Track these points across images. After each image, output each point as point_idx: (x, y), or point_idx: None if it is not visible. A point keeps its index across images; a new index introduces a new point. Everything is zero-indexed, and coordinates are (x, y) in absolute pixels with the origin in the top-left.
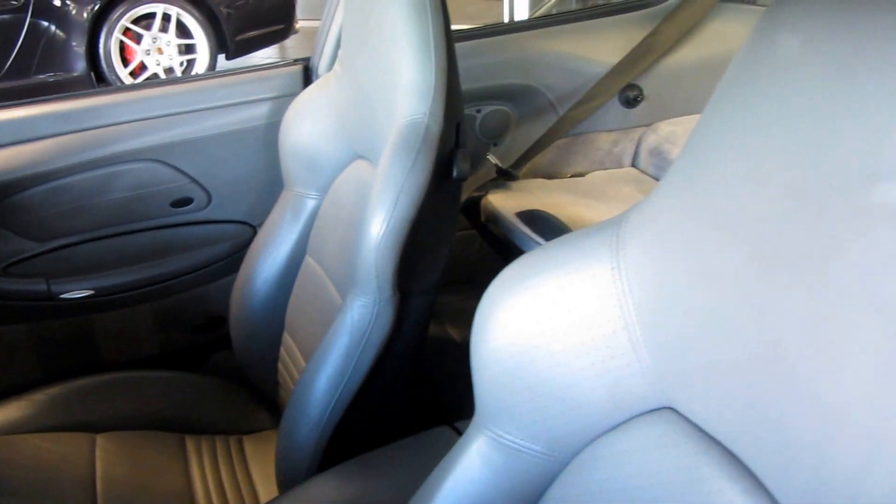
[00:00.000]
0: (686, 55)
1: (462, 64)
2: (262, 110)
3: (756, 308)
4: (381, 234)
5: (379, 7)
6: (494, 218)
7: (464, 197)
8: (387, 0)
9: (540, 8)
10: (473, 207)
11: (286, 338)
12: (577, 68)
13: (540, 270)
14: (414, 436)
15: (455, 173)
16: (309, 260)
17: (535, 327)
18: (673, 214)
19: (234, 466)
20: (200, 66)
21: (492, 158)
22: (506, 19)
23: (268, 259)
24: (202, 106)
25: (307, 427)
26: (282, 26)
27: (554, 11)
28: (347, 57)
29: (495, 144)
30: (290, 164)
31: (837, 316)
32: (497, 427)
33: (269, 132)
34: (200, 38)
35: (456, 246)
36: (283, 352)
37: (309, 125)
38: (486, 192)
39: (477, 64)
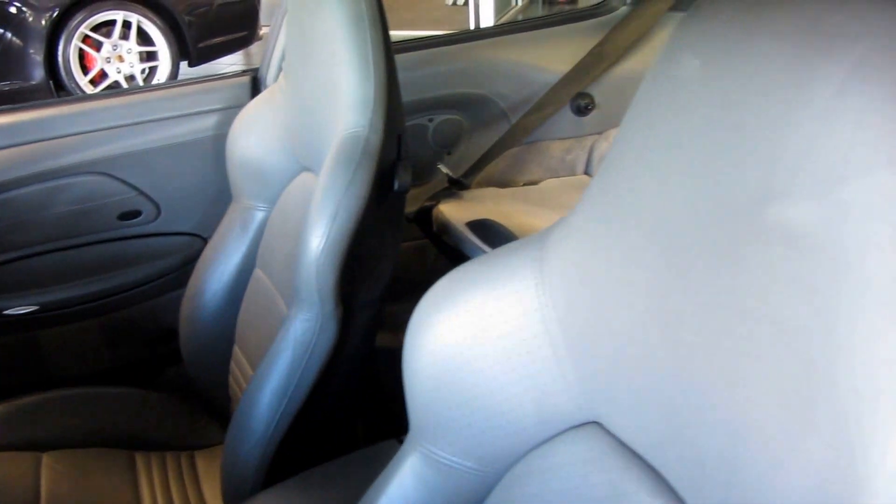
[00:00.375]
0: (636, 64)
1: (414, 73)
2: (210, 121)
3: (668, 325)
4: (320, 248)
5: (318, 20)
6: (445, 228)
7: (416, 206)
8: (325, 13)
9: (506, 14)
10: (425, 217)
11: (236, 351)
12: (528, 77)
13: (467, 286)
14: (360, 450)
15: (396, 186)
16: (258, 272)
17: (463, 343)
18: (591, 230)
19: (184, 483)
20: (162, 74)
21: (443, 168)
22: (471, 25)
23: (216, 271)
24: (149, 118)
25: (251, 443)
26: (245, 33)
27: (519, 17)
28: (291, 69)
29: (448, 153)
30: (237, 176)
31: (740, 332)
32: (429, 444)
33: (218, 143)
34: (162, 46)
35: (410, 255)
36: (233, 365)
37: (255, 137)
38: (438, 202)
39: (429, 73)
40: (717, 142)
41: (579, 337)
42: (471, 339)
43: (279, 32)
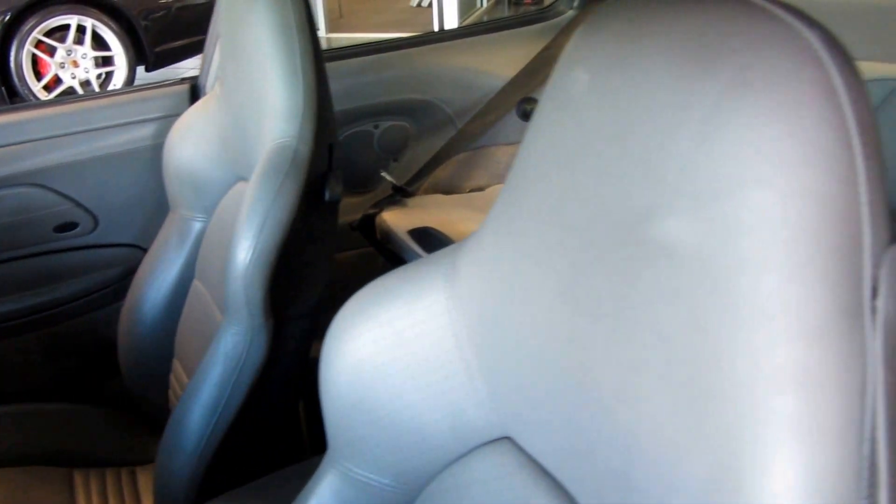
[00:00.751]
0: None
1: (359, 79)
2: (148, 131)
3: (567, 341)
4: (247, 260)
5: (246, 26)
6: (387, 236)
7: (360, 214)
8: (253, 20)
9: (470, 15)
10: (369, 225)
11: (176, 364)
12: (474, 82)
13: (381, 300)
14: (293, 466)
15: (327, 196)
16: (197, 284)
17: (376, 359)
18: (497, 245)
19: (124, 500)
20: (119, 79)
21: (386, 176)
22: (435, 27)
23: (154, 284)
24: (85, 127)
25: (182, 460)
26: (203, 37)
27: (485, 18)
28: (224, 77)
29: (395, 160)
30: (174, 186)
31: (631, 348)
32: (346, 460)
33: (157, 153)
34: (118, 50)
35: (357, 263)
36: (172, 378)
37: (191, 146)
38: (381, 210)
39: (374, 79)
40: (606, 158)
41: (489, 352)
42: (384, 354)
43: (217, 40)
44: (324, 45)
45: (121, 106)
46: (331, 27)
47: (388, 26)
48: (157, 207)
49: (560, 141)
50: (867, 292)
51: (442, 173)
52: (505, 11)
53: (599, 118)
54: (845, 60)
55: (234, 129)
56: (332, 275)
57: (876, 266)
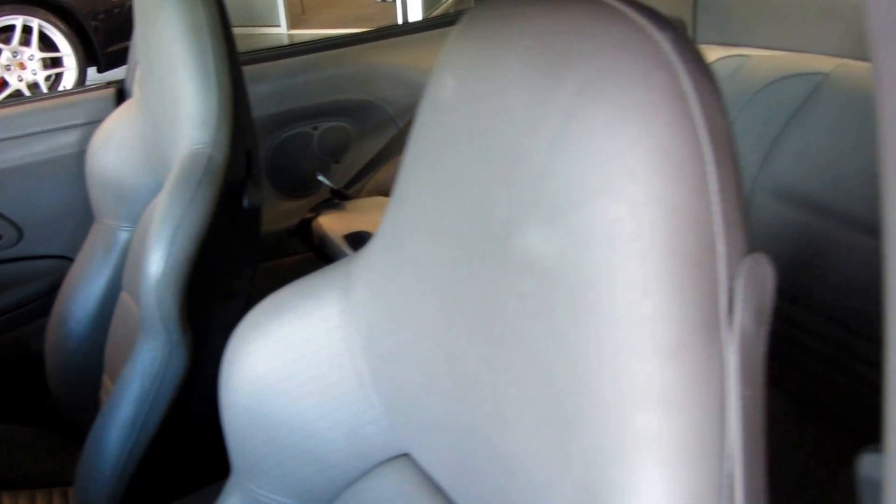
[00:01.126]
0: None
1: (296, 80)
2: (72, 137)
3: (449, 359)
4: (160, 272)
5: (158, 28)
6: (323, 240)
7: (298, 219)
8: (163, 21)
9: (436, 9)
10: (306, 230)
11: (105, 380)
12: (416, 80)
13: (276, 315)
14: (215, 485)
15: (246, 203)
16: (124, 296)
17: (274, 375)
18: (387, 256)
19: None
20: (69, 80)
21: (322, 179)
22: (400, 22)
23: (81, 296)
24: (6, 135)
25: (100, 481)
26: None
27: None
28: (142, 81)
29: (337, 162)
30: (98, 194)
31: (503, 367)
32: (249, 482)
33: (83, 160)
34: (67, 51)
35: (296, 269)
36: (102, 395)
37: (114, 153)
38: (319, 214)
39: (312, 79)
40: (473, 167)
41: (382, 368)
42: (280, 371)
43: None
44: (285, 42)
45: (44, 112)
46: (292, 23)
47: (352, 22)
48: (84, 217)
49: (433, 149)
50: (723, 305)
51: (385, 175)
52: (472, 4)
53: (466, 125)
54: (697, 64)
55: (153, 136)
56: (262, 283)
57: (732, 278)
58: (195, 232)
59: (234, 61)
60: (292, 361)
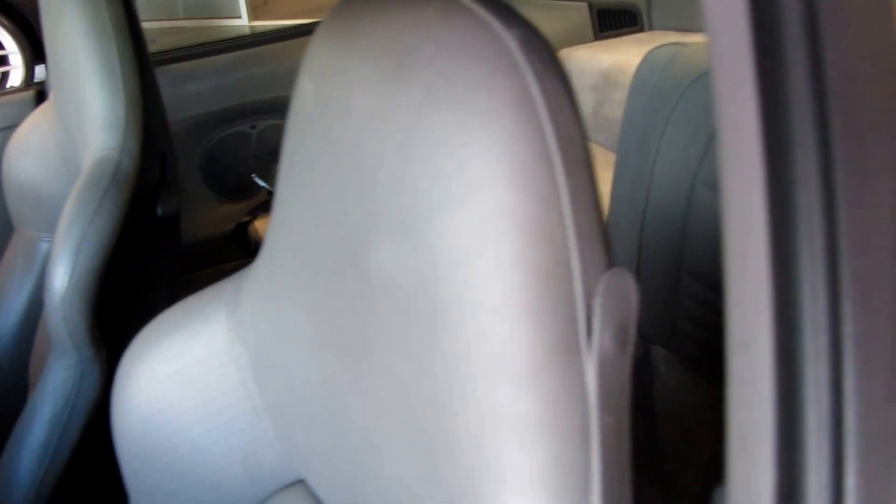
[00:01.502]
0: None
1: (230, 77)
2: None
3: (326, 382)
4: (64, 287)
5: (62, 28)
6: (260, 246)
7: (234, 223)
8: (67, 20)
9: None
10: (242, 234)
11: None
12: None
13: (165, 334)
14: None
15: (160, 211)
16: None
17: (164, 399)
18: (271, 270)
19: None
20: (16, 79)
21: (259, 181)
22: None
23: (1, 312)
24: None
25: None
26: None
27: None
28: (52, 83)
29: (277, 163)
30: (16, 203)
31: (373, 392)
32: None
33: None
34: (12, 48)
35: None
36: None
37: (31, 159)
38: (255, 218)
39: (247, 76)
40: (332, 179)
41: (272, 390)
42: (170, 394)
43: None
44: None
45: None
46: (254, 15)
47: (316, 12)
48: (4, 228)
49: (300, 159)
50: (581, 326)
51: None
52: None
53: (324, 134)
54: (547, 65)
55: (66, 140)
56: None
57: (589, 296)
58: (102, 243)
59: (144, 62)
60: (182, 384)
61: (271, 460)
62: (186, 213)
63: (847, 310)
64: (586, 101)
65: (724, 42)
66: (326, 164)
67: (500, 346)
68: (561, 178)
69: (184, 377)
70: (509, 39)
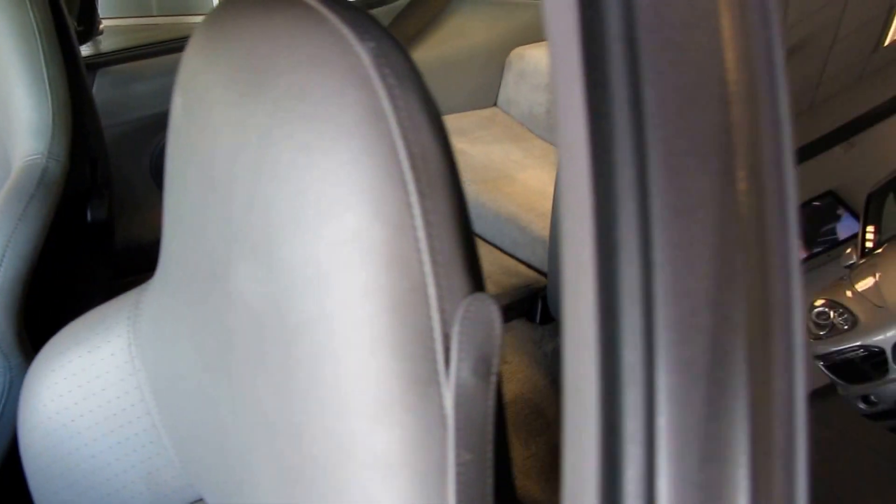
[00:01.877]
0: (427, 52)
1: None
2: None
3: (209, 402)
4: None
5: None
6: None
7: None
8: None
9: None
10: None
11: None
12: None
13: (67, 348)
14: None
15: (90, 217)
16: None
17: (67, 414)
18: (163, 289)
19: None
20: None
21: None
22: None
23: None
24: None
25: None
26: (81, 28)
27: None
28: None
29: None
30: None
31: (245, 415)
32: None
33: None
34: None
35: None
36: None
37: None
38: None
39: None
40: (200, 195)
41: (170, 407)
42: (74, 409)
43: None
44: None
45: None
46: None
47: None
48: None
49: (175, 173)
50: (439, 356)
51: None
52: None
53: (191, 147)
54: (401, 78)
55: None
56: None
57: (447, 324)
58: (28, 249)
59: (74, 65)
60: (84, 399)
61: (173, 479)
62: (137, 214)
63: (661, 363)
64: (540, 100)
65: (561, 66)
66: (193, 179)
67: (354, 377)
68: (414, 199)
69: (86, 392)
70: (362, 52)
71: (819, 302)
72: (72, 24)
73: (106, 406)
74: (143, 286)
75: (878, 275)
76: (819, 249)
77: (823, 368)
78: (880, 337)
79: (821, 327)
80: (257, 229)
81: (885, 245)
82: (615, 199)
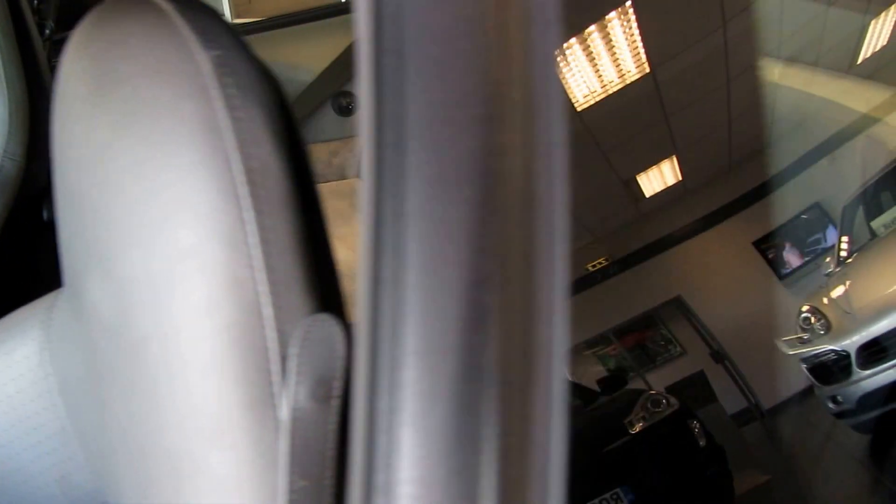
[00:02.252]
0: None
1: None
2: None
3: (105, 411)
4: None
5: None
6: None
7: None
8: None
9: None
10: None
11: None
12: (282, 76)
13: None
14: None
15: (46, 216)
16: None
17: None
18: (71, 294)
19: None
20: None
21: None
22: None
23: None
24: None
25: None
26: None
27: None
28: None
29: None
30: None
31: (119, 427)
32: None
33: None
34: None
35: None
36: None
37: None
38: None
39: None
40: (65, 201)
41: (78, 409)
42: None
43: None
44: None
45: None
46: (237, 12)
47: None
48: None
49: (56, 183)
50: (276, 379)
51: None
52: None
53: (59, 155)
54: (243, 90)
55: None
56: None
57: (284, 345)
58: None
59: (33, 62)
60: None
61: (85, 483)
62: None
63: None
64: None
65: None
66: (62, 187)
67: (190, 398)
68: (249, 216)
69: (2, 393)
70: (204, 61)
71: (805, 308)
72: (33, 24)
73: (20, 408)
74: (62, 289)
75: (848, 283)
76: (808, 259)
77: (805, 371)
78: (847, 341)
79: (805, 331)
80: (102, 240)
81: (855, 255)
82: (382, 223)
